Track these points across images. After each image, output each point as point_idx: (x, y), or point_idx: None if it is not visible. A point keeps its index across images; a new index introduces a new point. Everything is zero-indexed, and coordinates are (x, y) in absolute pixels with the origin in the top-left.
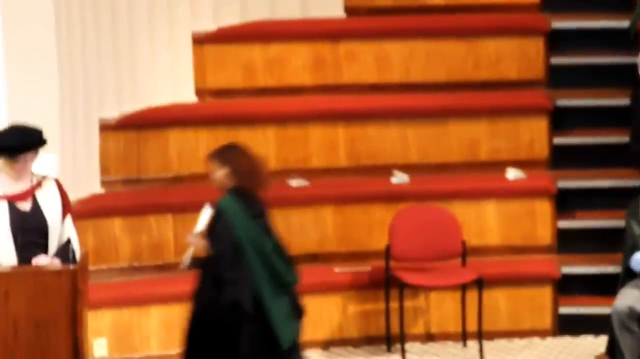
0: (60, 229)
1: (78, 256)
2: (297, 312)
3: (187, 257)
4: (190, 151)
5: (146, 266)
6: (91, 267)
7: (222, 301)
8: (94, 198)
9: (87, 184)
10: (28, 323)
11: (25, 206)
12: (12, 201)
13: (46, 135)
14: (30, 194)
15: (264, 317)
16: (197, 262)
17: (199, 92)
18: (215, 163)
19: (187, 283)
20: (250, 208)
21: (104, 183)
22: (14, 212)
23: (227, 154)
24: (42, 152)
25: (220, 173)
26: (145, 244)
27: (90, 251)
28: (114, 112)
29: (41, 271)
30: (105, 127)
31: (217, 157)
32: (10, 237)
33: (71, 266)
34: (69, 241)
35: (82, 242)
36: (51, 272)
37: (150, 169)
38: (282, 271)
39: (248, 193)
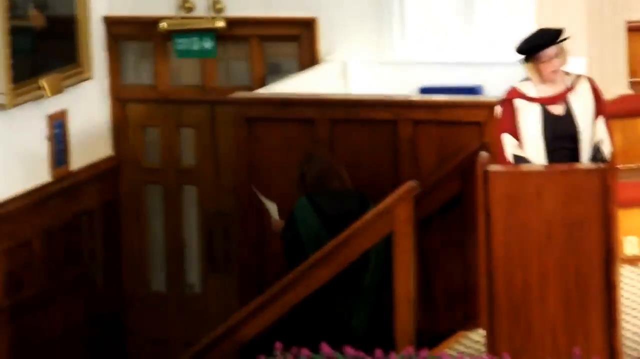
0: (592, 131)
1: (608, 157)
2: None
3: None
4: None
5: None
6: (619, 166)
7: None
8: (623, 99)
9: (615, 85)
10: (560, 222)
11: (558, 109)
12: (545, 104)
13: (574, 39)
14: (563, 97)
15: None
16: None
17: None
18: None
19: None
20: (325, 209)
21: (632, 84)
22: (547, 115)
23: (301, 163)
24: (571, 56)
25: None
26: None
27: (618, 151)
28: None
29: (572, 170)
30: (633, 29)
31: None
32: (543, 140)
33: (601, 165)
34: (600, 142)
35: (611, 142)
36: (582, 171)
37: None
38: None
39: (327, 195)
